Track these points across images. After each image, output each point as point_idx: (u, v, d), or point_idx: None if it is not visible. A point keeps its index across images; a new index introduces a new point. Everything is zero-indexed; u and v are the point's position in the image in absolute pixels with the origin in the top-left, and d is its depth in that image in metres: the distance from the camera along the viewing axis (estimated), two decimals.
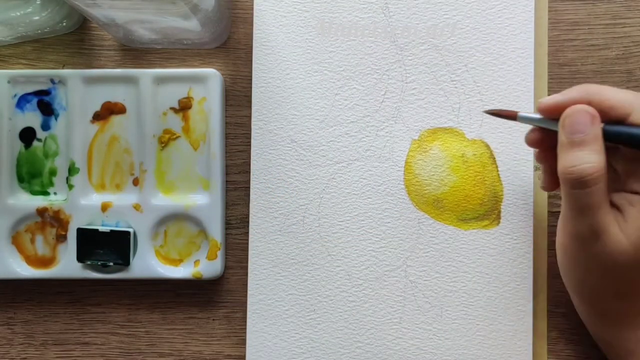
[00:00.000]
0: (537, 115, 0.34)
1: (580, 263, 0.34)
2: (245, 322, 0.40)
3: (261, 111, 0.40)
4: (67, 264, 0.40)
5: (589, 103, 0.32)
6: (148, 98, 0.40)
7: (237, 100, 0.41)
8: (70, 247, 0.40)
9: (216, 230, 0.40)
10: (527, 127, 0.35)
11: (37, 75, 0.40)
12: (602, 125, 0.32)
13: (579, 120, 0.32)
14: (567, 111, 0.33)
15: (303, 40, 0.40)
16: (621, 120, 0.32)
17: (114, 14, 0.36)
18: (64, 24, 0.40)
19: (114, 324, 0.41)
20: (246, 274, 0.40)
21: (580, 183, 0.32)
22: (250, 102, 0.40)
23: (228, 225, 0.41)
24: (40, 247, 0.41)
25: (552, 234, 0.39)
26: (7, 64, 0.42)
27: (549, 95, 0.40)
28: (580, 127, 0.32)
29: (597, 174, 0.31)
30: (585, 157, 0.32)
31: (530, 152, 0.39)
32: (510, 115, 0.35)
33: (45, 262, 0.40)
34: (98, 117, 0.40)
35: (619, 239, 0.32)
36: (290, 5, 0.40)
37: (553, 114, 0.33)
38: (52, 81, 0.40)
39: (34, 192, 0.41)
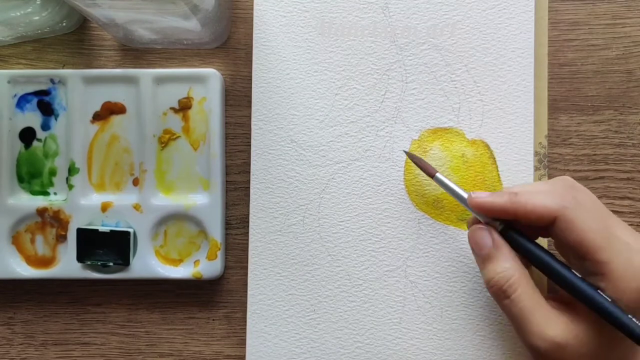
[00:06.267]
0: (451, 184, 0.36)
1: None
2: (245, 322, 0.40)
3: (261, 111, 0.40)
4: (67, 264, 0.40)
5: (515, 212, 0.33)
6: (148, 98, 0.40)
7: (237, 100, 0.41)
8: (70, 247, 0.40)
9: (216, 230, 0.40)
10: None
11: (37, 75, 0.40)
12: (501, 237, 0.34)
13: (480, 236, 0.34)
14: (469, 232, 0.35)
15: (303, 40, 0.40)
16: (547, 227, 0.33)
17: (114, 14, 0.36)
18: (64, 24, 0.40)
19: (114, 324, 0.41)
20: (246, 274, 0.40)
21: (502, 293, 0.33)
22: (250, 102, 0.40)
23: (228, 225, 0.41)
24: (40, 247, 0.41)
25: None
26: (7, 64, 0.42)
27: (548, 94, 0.40)
28: (483, 242, 0.34)
29: (513, 279, 0.32)
30: (496, 268, 0.33)
31: (530, 152, 0.39)
32: (429, 172, 0.37)
33: (45, 262, 0.40)
34: (98, 117, 0.40)
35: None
36: (290, 5, 0.40)
37: (478, 210, 0.34)
38: (52, 81, 0.40)
39: (34, 192, 0.41)
